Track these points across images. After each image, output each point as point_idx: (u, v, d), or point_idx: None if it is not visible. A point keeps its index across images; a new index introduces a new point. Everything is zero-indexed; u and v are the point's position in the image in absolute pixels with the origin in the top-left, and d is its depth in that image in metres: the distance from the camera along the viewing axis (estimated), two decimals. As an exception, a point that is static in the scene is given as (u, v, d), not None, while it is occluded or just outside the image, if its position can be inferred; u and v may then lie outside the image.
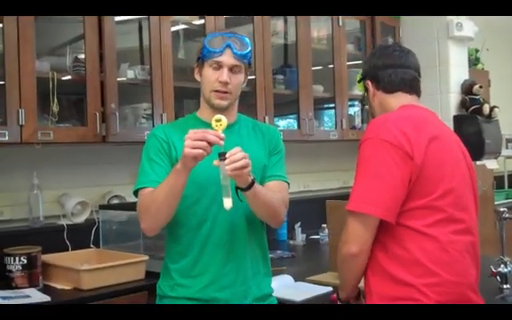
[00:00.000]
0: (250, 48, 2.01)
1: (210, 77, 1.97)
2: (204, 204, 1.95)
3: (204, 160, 1.80)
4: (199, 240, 1.95)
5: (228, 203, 1.78)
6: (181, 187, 1.83)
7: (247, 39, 2.03)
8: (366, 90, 2.01)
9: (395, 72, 1.93)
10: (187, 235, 1.97)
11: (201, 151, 1.74)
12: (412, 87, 1.95)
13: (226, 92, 1.97)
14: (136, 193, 1.96)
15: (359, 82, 2.06)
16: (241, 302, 1.96)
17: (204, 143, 1.74)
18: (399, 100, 1.92)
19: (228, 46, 1.96)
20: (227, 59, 1.96)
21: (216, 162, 1.75)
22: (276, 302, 2.12)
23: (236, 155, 1.75)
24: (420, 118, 1.83)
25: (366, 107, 2.11)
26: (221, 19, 3.32)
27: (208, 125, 1.84)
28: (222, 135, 1.76)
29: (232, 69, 1.97)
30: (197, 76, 2.04)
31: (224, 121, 1.80)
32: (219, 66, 1.96)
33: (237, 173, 1.76)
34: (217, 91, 1.97)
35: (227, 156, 1.75)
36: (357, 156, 1.79)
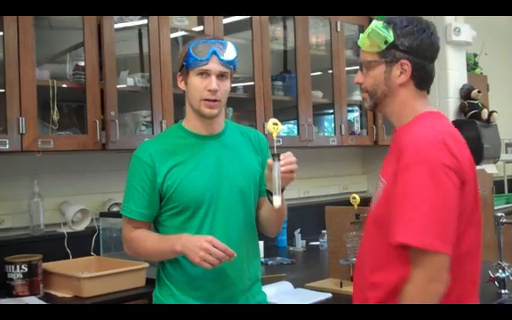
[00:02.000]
0: (236, 53, 1.98)
1: (198, 86, 1.93)
2: (199, 216, 1.95)
3: (201, 173, 1.91)
4: None
5: (277, 201, 1.84)
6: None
7: (231, 44, 1.99)
8: (389, 62, 1.67)
9: (433, 68, 1.70)
10: None
11: (209, 265, 1.82)
12: (430, 85, 1.76)
13: (215, 100, 1.95)
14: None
15: (385, 47, 1.66)
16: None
17: (217, 262, 1.83)
18: (423, 102, 1.71)
19: (214, 53, 1.92)
20: (214, 66, 1.92)
21: (270, 161, 1.84)
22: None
23: (291, 157, 1.85)
24: (458, 136, 1.65)
25: (363, 73, 1.73)
26: (220, 25, 3.34)
27: (196, 135, 1.95)
28: (234, 254, 1.85)
29: (219, 76, 1.94)
30: (182, 85, 2.00)
31: (280, 125, 1.91)
32: (206, 74, 1.93)
33: (289, 176, 1.85)
34: (206, 99, 1.93)
35: (281, 157, 1.83)
36: (407, 179, 1.54)
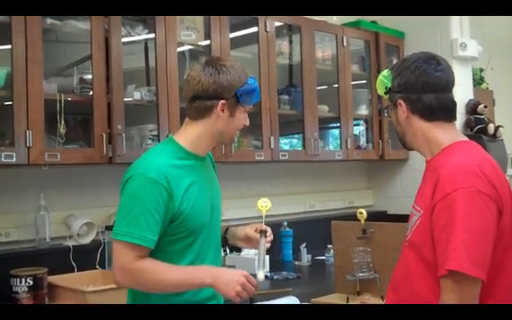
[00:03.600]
0: None
1: (242, 122, 1.98)
2: (200, 241, 1.95)
3: (204, 197, 1.95)
4: None
5: (262, 275, 1.93)
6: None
7: None
8: (394, 104, 1.81)
9: (436, 98, 1.74)
10: None
11: (239, 299, 1.86)
12: (453, 114, 1.79)
13: None
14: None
15: (386, 93, 1.83)
16: None
17: (246, 297, 1.87)
18: (445, 130, 1.75)
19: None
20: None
21: (257, 236, 2.03)
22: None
23: (271, 232, 2.05)
24: (494, 165, 1.70)
25: (386, 116, 1.91)
26: (227, 39, 3.35)
27: (195, 157, 1.96)
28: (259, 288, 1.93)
29: None
30: (222, 113, 1.92)
31: (269, 204, 2.11)
32: (248, 111, 2.01)
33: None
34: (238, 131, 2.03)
35: (267, 234, 2.02)
36: (448, 207, 1.58)
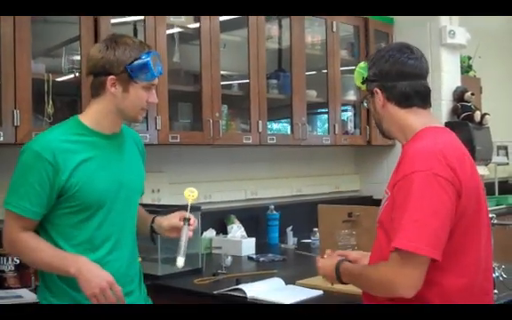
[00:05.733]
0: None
1: (142, 98, 1.98)
2: (99, 217, 1.96)
3: (105, 173, 1.96)
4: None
5: (181, 262, 2.00)
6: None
7: None
8: (371, 93, 1.87)
9: (410, 85, 1.80)
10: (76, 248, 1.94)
11: (95, 300, 1.84)
12: (427, 100, 1.85)
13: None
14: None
15: (362, 83, 1.88)
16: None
17: (104, 302, 1.84)
18: (418, 117, 1.81)
19: (160, 68, 2.01)
20: (157, 80, 2.02)
21: (180, 223, 2.07)
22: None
23: (195, 220, 2.10)
24: (460, 150, 1.76)
25: (366, 106, 1.95)
26: (216, 22, 3.35)
27: (98, 134, 1.98)
28: (124, 302, 1.90)
29: None
30: (113, 89, 1.95)
31: (196, 194, 2.13)
32: (151, 87, 2.00)
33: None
34: (143, 108, 2.01)
35: (191, 222, 2.06)
36: (405, 188, 1.65)
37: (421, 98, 1.82)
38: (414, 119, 1.81)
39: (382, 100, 1.83)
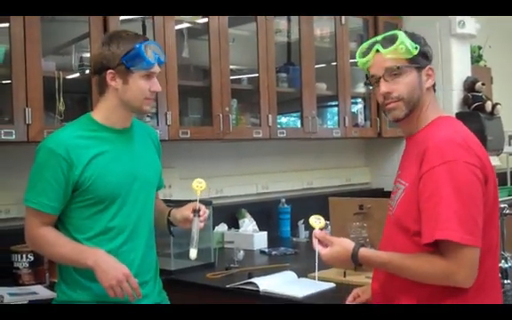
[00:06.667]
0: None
1: (143, 87, 2.02)
2: (113, 209, 2.01)
3: (118, 166, 2.01)
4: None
5: (194, 253, 2.01)
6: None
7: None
8: (419, 68, 1.78)
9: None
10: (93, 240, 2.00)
11: (113, 293, 1.89)
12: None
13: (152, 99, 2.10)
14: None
15: (416, 49, 1.75)
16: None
17: (122, 295, 1.89)
18: (435, 105, 1.84)
19: (158, 56, 2.04)
20: (157, 68, 2.06)
21: (191, 215, 2.08)
22: None
23: (206, 211, 2.11)
24: (476, 139, 1.75)
25: (389, 82, 1.77)
26: (225, 17, 3.35)
27: (109, 129, 2.03)
28: (141, 295, 1.95)
29: None
30: (114, 83, 2.01)
31: (204, 184, 2.14)
32: (151, 75, 2.03)
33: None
34: (147, 98, 2.05)
35: (201, 213, 2.07)
36: (434, 179, 1.63)
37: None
38: (433, 106, 1.81)
39: (433, 80, 1.81)
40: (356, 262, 1.80)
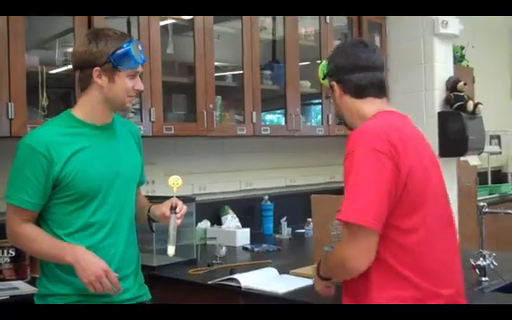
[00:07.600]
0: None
1: (128, 86, 2.05)
2: (94, 205, 2.03)
3: (99, 162, 2.02)
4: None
5: (171, 250, 2.05)
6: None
7: None
8: (331, 88, 1.97)
9: (364, 76, 1.90)
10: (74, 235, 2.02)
11: (92, 288, 1.91)
12: (382, 90, 1.94)
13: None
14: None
15: (323, 79, 2.01)
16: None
17: (101, 290, 1.91)
18: (372, 105, 1.91)
19: (143, 56, 2.07)
20: (141, 68, 2.10)
21: (168, 213, 2.09)
22: None
23: (184, 208, 2.12)
24: (403, 131, 1.82)
25: (332, 102, 2.03)
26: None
27: (90, 125, 2.04)
28: (120, 290, 1.99)
29: None
30: (100, 80, 2.02)
31: (180, 182, 2.16)
32: (135, 75, 2.06)
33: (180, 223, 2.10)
34: (130, 96, 2.08)
35: (177, 210, 2.09)
36: (347, 166, 1.76)
37: (376, 88, 1.91)
38: (369, 107, 1.90)
39: (340, 92, 1.94)
40: (318, 273, 1.98)
